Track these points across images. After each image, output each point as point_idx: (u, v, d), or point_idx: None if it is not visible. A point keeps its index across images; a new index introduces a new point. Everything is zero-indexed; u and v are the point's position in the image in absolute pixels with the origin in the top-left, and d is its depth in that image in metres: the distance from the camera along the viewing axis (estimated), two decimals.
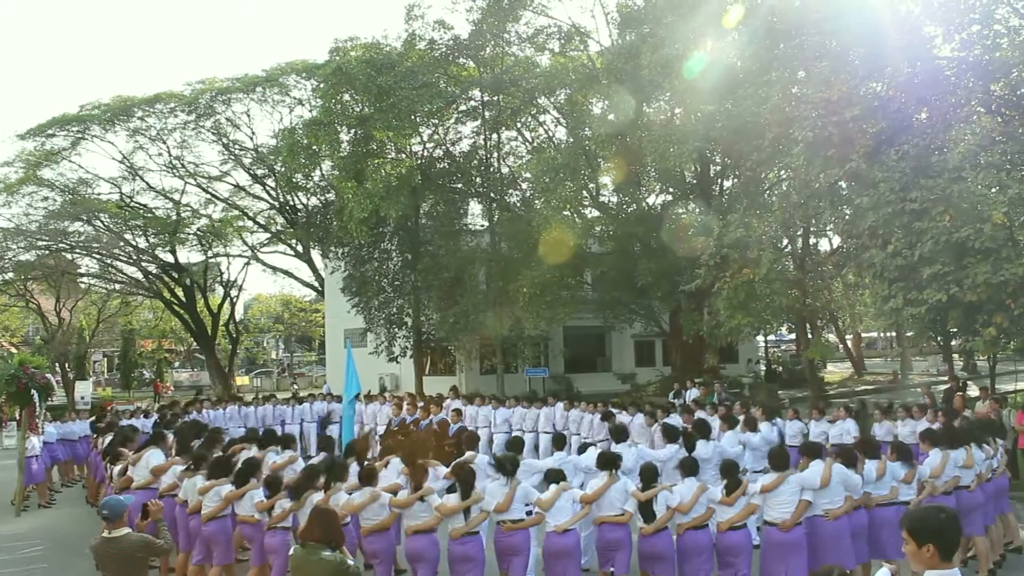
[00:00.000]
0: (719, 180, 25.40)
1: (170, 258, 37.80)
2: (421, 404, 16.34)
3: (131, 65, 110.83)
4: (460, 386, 25.82)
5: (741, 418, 11.85)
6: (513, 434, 16.05)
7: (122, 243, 36.45)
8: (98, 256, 37.29)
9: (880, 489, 7.77)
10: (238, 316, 48.67)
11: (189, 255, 39.29)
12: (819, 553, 7.19)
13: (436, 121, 26.32)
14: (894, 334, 38.83)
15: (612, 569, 7.50)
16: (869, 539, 7.67)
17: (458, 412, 15.41)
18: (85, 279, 39.77)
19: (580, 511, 7.44)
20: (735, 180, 24.20)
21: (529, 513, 7.39)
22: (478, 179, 26.82)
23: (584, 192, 24.75)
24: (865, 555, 7.67)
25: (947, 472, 8.18)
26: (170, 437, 10.73)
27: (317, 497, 7.55)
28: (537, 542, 7.87)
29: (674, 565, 7.32)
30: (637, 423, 13.54)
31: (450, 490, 7.44)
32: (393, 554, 7.84)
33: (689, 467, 7.65)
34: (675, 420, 12.93)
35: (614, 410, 14.35)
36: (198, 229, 38.07)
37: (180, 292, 38.87)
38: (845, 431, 13.05)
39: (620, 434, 9.89)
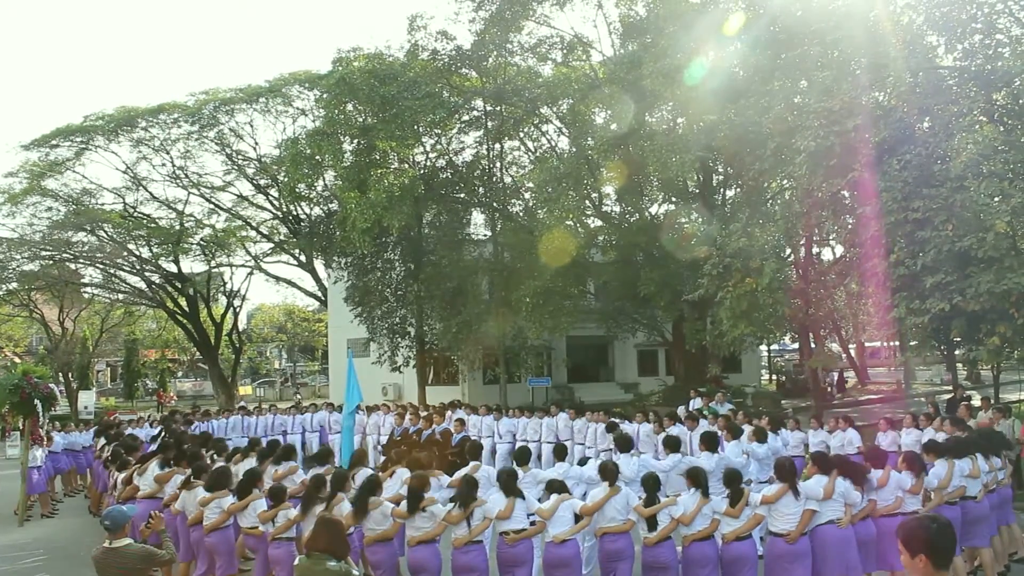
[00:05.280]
0: (721, 189, 25.42)
1: (173, 268, 37.85)
2: (424, 414, 16.29)
3: (135, 76, 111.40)
4: (463, 396, 25.77)
5: (746, 428, 11.81)
6: (517, 444, 16.08)
7: (125, 253, 36.44)
8: (101, 266, 37.32)
9: (884, 497, 7.73)
10: (241, 326, 48.62)
11: (192, 265, 39.39)
12: (825, 562, 7.15)
13: (439, 131, 26.37)
14: (897, 344, 38.67)
15: None
16: (875, 550, 7.62)
17: (461, 422, 15.36)
18: (88, 289, 39.74)
19: (580, 521, 7.42)
20: (737, 189, 24.21)
21: (533, 523, 7.38)
22: (481, 189, 26.87)
23: (587, 201, 24.77)
24: (873, 566, 7.63)
25: (953, 482, 8.14)
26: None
27: (321, 507, 7.54)
28: (540, 552, 7.85)
29: None
30: (643, 432, 13.51)
31: (453, 499, 7.43)
32: (396, 564, 7.82)
33: (696, 477, 7.60)
34: (677, 430, 12.90)
35: (617, 420, 14.32)
36: (201, 239, 38.12)
37: (183, 302, 38.88)
38: (847, 441, 12.99)
39: (624, 444, 9.87)
